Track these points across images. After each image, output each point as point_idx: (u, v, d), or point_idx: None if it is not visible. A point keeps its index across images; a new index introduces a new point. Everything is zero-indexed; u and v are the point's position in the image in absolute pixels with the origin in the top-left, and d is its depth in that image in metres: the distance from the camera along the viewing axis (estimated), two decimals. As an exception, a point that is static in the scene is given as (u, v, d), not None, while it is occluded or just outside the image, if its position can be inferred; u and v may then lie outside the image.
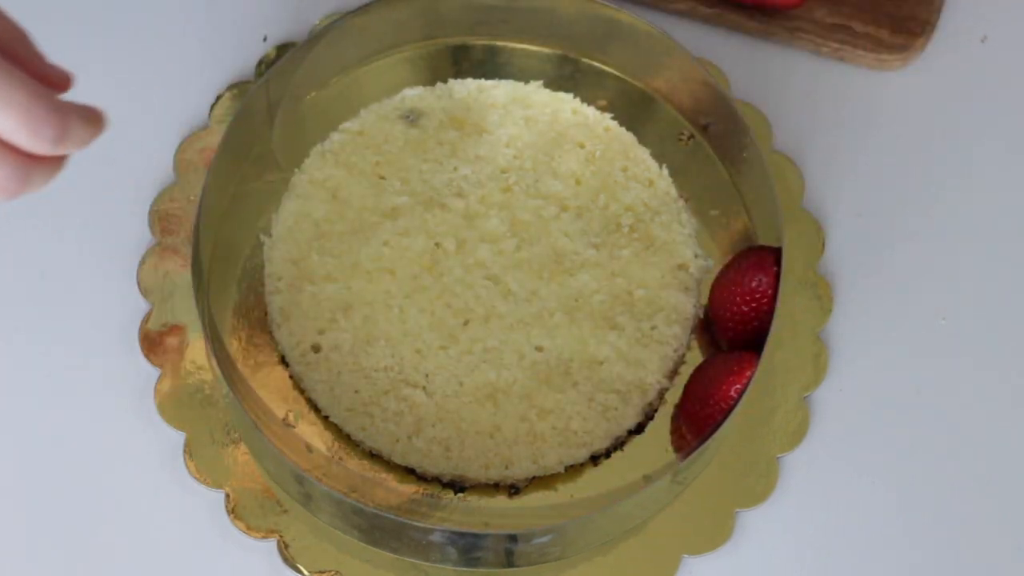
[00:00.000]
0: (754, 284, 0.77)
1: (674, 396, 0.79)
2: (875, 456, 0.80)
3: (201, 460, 0.78)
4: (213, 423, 0.78)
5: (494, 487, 0.77)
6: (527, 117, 0.85)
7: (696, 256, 0.82)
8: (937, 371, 0.82)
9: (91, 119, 0.64)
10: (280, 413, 0.78)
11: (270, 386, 0.79)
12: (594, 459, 0.78)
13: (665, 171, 0.84)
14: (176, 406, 0.79)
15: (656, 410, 0.79)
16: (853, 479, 0.79)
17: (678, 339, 0.79)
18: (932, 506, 0.79)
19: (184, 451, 0.78)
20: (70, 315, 0.81)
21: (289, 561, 0.76)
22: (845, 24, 0.90)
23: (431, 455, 0.76)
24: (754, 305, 0.77)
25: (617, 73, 0.88)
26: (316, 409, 0.78)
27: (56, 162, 0.64)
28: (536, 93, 0.86)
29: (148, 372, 0.80)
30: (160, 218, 0.84)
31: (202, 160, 0.85)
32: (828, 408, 0.81)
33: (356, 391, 0.78)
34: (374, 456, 0.77)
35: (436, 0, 0.86)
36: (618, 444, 0.78)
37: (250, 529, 0.76)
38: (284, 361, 0.79)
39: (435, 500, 0.77)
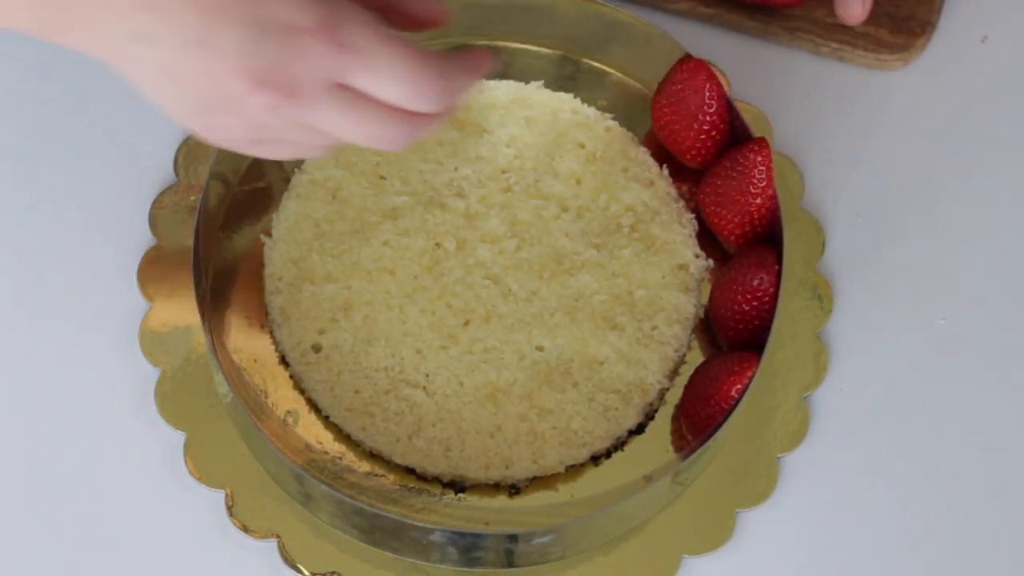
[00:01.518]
0: (755, 283, 0.77)
1: (674, 396, 0.79)
2: (875, 456, 0.80)
3: (201, 460, 0.78)
4: (213, 423, 0.78)
5: (494, 487, 0.77)
6: (527, 117, 0.85)
7: (696, 256, 0.82)
8: (937, 371, 0.82)
9: (473, 67, 0.67)
10: (280, 413, 0.78)
11: (270, 386, 0.79)
12: (594, 459, 0.78)
13: (665, 171, 0.84)
14: (176, 406, 0.79)
15: (656, 410, 0.79)
16: (853, 479, 0.79)
17: (678, 339, 0.79)
18: (932, 506, 0.79)
19: (184, 451, 0.78)
20: (70, 315, 0.81)
21: (289, 561, 0.76)
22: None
23: (431, 455, 0.76)
24: (755, 304, 0.77)
25: (617, 73, 0.88)
26: (316, 409, 0.78)
27: (444, 114, 0.66)
28: (536, 93, 0.85)
29: (148, 372, 0.80)
30: (160, 218, 0.84)
31: (202, 160, 0.85)
32: (828, 408, 0.81)
33: (356, 391, 0.77)
34: (374, 456, 0.77)
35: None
36: (618, 444, 0.78)
37: (250, 529, 0.76)
38: (284, 361, 0.79)
39: (435, 500, 0.76)
